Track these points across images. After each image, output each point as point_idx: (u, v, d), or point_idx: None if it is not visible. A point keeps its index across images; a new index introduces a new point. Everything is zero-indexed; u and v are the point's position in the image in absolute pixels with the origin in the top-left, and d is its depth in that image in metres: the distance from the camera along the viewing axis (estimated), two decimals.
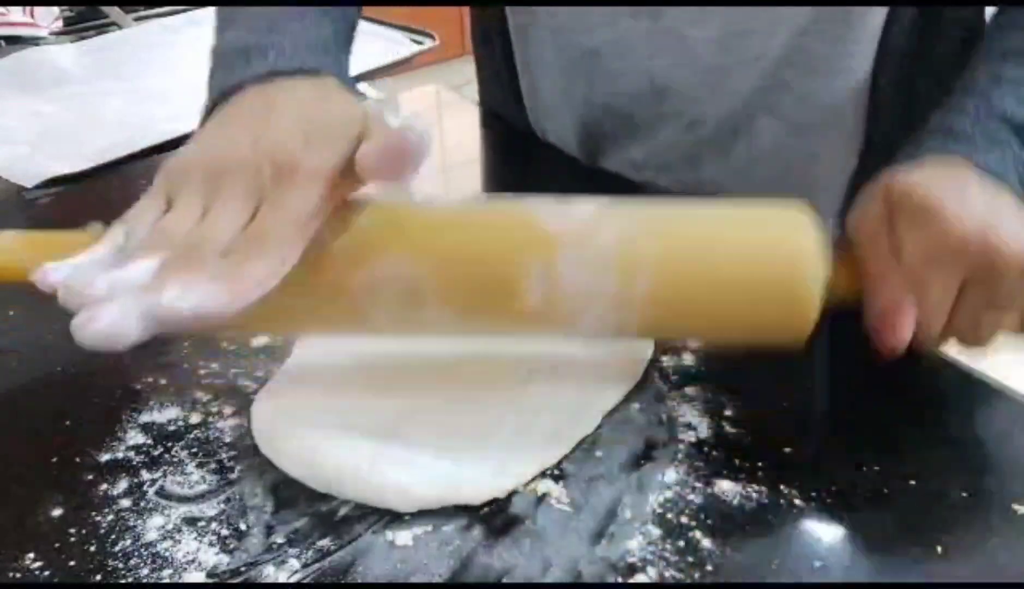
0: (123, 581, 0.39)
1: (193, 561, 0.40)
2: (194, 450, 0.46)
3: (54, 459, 0.46)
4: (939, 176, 0.44)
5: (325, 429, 0.45)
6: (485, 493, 0.42)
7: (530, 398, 0.48)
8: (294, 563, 0.40)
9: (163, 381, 0.51)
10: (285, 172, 0.38)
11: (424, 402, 0.48)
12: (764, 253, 0.42)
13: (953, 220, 0.41)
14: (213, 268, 0.36)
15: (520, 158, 0.81)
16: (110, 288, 0.35)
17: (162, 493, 0.44)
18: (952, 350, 0.47)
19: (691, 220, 0.44)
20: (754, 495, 0.42)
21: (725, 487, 0.43)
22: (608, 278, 0.42)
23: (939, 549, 0.39)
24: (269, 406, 0.48)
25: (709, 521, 0.41)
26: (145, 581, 0.39)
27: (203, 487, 0.44)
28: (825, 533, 0.40)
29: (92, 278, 0.36)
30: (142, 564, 0.40)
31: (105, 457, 0.46)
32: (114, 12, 1.22)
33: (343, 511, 0.42)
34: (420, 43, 1.05)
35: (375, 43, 1.05)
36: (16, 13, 1.18)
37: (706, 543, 0.40)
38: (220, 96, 0.45)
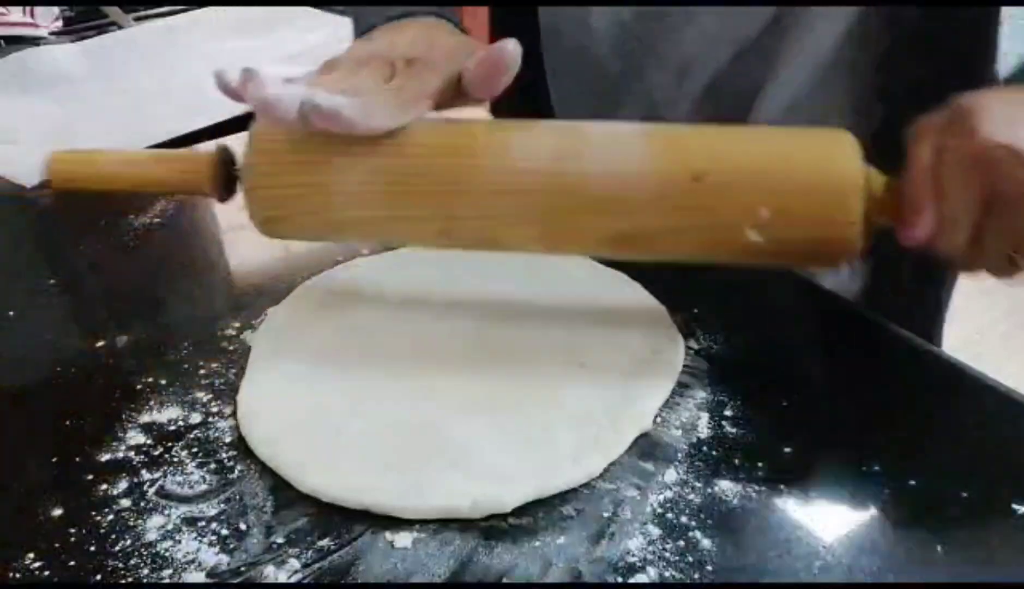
0: (123, 581, 0.39)
1: (193, 561, 0.40)
2: (194, 450, 0.46)
3: (54, 459, 0.46)
4: (1005, 97, 0.44)
5: (366, 446, 0.45)
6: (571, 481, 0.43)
7: (567, 396, 0.48)
8: (294, 563, 0.40)
9: (163, 381, 0.51)
10: (410, 63, 0.48)
11: (457, 401, 0.48)
12: (811, 153, 0.46)
13: (985, 127, 0.41)
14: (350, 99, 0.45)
15: None
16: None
17: (162, 493, 0.44)
18: (949, 343, 0.46)
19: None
20: (754, 495, 0.42)
21: (725, 487, 0.43)
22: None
23: (939, 549, 0.39)
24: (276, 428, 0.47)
25: (709, 521, 0.41)
26: (145, 581, 0.39)
27: (203, 487, 0.44)
28: (825, 533, 0.40)
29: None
30: (142, 564, 0.40)
31: (105, 457, 0.46)
32: (114, 12, 1.22)
33: (343, 511, 0.42)
34: None
35: None
36: (16, 13, 1.18)
37: (706, 543, 0.40)
38: (367, 29, 0.56)
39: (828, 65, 0.63)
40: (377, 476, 0.43)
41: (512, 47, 0.47)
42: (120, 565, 0.40)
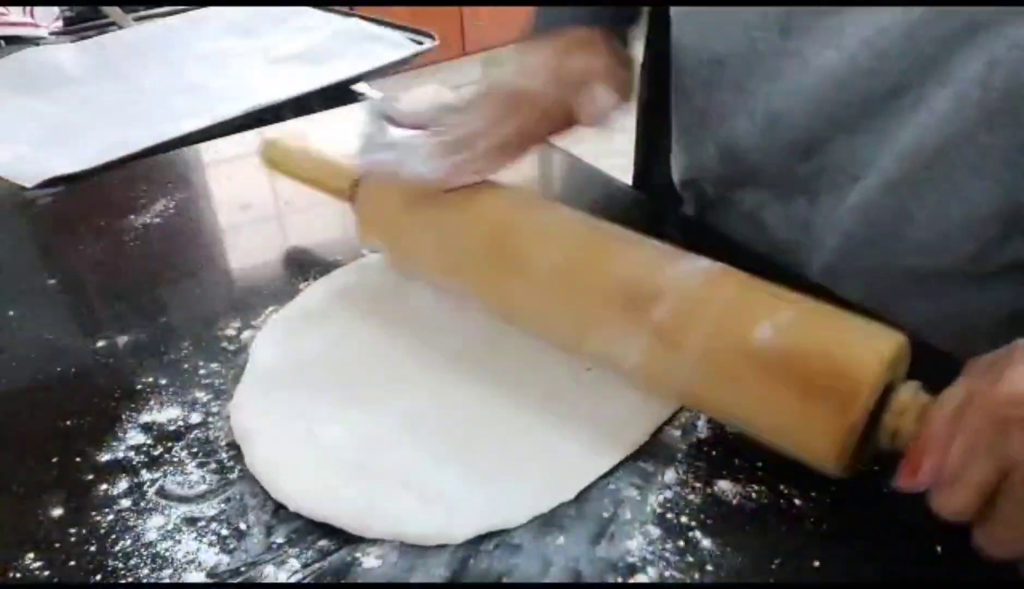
0: (123, 581, 0.39)
1: (193, 561, 0.40)
2: (194, 450, 0.46)
3: (54, 459, 0.46)
4: None
5: (347, 468, 0.44)
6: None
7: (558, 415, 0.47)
8: (294, 563, 0.40)
9: (163, 381, 0.51)
10: (517, 102, 0.54)
11: (438, 421, 0.47)
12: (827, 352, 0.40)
13: (1017, 379, 0.34)
14: (452, 154, 0.52)
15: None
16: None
17: (162, 493, 0.44)
18: None
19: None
20: (754, 495, 0.42)
21: (725, 487, 0.43)
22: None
23: (939, 549, 0.39)
24: (272, 453, 0.45)
25: (709, 521, 0.41)
26: (145, 581, 0.39)
27: (203, 487, 0.44)
28: (825, 533, 0.40)
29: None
30: (142, 564, 0.40)
31: (105, 457, 0.46)
32: (114, 12, 1.22)
33: None
34: (420, 43, 1.05)
35: (375, 43, 1.05)
36: (16, 13, 1.18)
37: (706, 543, 0.40)
38: (532, 33, 0.63)
39: (958, 142, 0.52)
40: (338, 492, 0.42)
41: (603, 91, 0.53)
42: (120, 565, 0.40)
